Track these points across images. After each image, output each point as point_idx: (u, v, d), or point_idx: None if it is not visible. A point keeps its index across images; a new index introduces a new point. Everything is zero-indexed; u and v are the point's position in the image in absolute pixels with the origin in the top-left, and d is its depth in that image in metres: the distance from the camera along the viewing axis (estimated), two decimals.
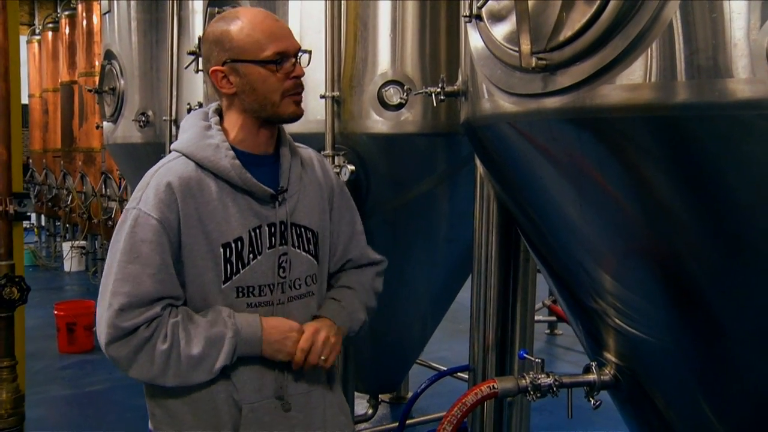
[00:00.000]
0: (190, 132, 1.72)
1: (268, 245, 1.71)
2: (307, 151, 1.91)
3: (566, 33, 1.55)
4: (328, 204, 1.90)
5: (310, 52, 1.74)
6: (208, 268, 1.66)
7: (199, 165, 1.67)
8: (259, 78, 1.65)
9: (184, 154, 1.69)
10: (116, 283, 1.61)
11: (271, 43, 1.64)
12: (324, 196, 1.88)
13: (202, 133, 1.70)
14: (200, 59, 3.27)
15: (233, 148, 1.69)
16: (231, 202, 1.67)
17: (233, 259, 1.67)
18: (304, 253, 1.78)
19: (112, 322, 1.59)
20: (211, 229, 1.65)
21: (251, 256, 1.69)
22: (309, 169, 1.86)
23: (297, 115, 1.71)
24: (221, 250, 1.66)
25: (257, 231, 1.70)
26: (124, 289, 1.60)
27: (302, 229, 1.78)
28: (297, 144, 1.89)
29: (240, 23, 1.65)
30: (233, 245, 1.67)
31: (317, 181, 1.87)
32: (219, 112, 1.76)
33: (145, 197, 1.63)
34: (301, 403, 1.79)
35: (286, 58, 1.66)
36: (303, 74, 1.70)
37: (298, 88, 1.70)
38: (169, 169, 1.67)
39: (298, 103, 1.71)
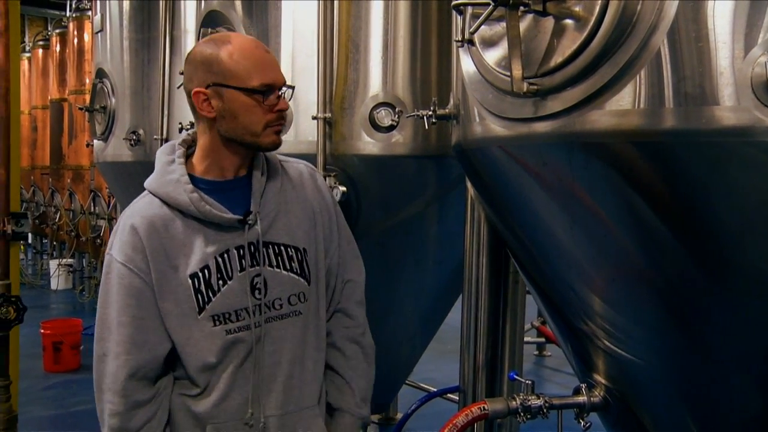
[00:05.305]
0: (156, 168, 1.75)
1: (238, 269, 1.69)
2: (297, 167, 1.87)
3: (557, 59, 1.58)
4: (326, 220, 1.87)
5: (293, 88, 1.74)
6: (182, 301, 1.67)
7: (163, 201, 1.69)
8: (243, 106, 1.63)
9: (150, 192, 1.72)
10: (97, 330, 1.71)
11: (259, 73, 1.62)
12: (316, 212, 1.84)
13: (164, 168, 1.71)
14: None
15: (198, 179, 1.70)
16: (197, 233, 1.67)
17: (203, 288, 1.66)
18: (284, 272, 1.74)
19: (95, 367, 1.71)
20: (178, 263, 1.66)
21: (221, 282, 1.68)
22: (298, 185, 1.83)
23: (276, 145, 1.70)
24: (189, 281, 1.66)
25: (225, 256, 1.68)
26: (104, 335, 1.69)
27: (281, 248, 1.75)
28: (286, 159, 1.87)
29: (230, 48, 1.63)
30: (200, 274, 1.66)
31: (306, 198, 1.83)
32: (187, 143, 1.76)
33: (116, 243, 1.70)
34: (275, 426, 1.75)
35: (272, 90, 1.64)
36: (287, 108, 1.69)
37: (280, 121, 1.68)
38: (135, 211, 1.71)
39: (279, 132, 1.70)
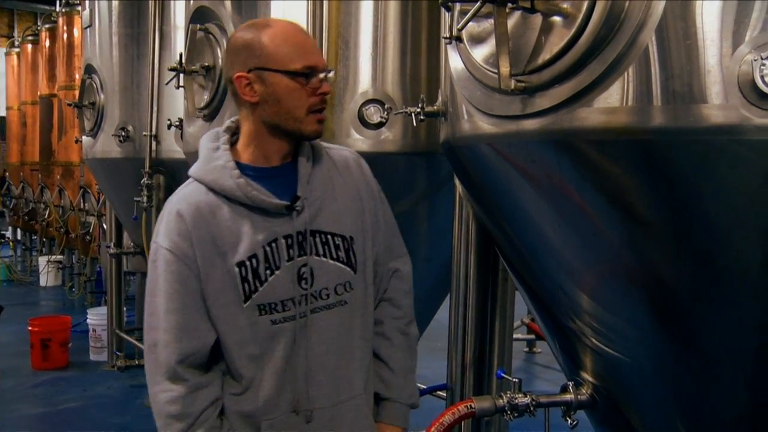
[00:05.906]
0: (200, 155, 1.73)
1: (286, 258, 1.67)
2: (342, 154, 1.85)
3: (545, 56, 1.57)
4: (372, 207, 1.84)
5: (334, 71, 1.72)
6: (228, 289, 1.64)
7: (210, 188, 1.66)
8: (286, 90, 1.62)
9: (196, 179, 1.69)
10: (147, 319, 1.69)
11: (302, 56, 1.61)
12: (363, 198, 1.81)
13: (209, 155, 1.70)
14: (182, 75, 3.27)
15: (244, 165, 1.68)
16: (244, 219, 1.65)
17: (249, 277, 1.64)
18: (331, 261, 1.72)
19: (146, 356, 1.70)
20: (226, 250, 1.64)
21: (268, 272, 1.65)
22: (344, 171, 1.81)
23: (318, 134, 1.68)
24: (236, 269, 1.64)
25: (273, 245, 1.66)
26: (154, 324, 1.67)
27: (328, 236, 1.72)
28: (332, 146, 1.85)
29: (271, 32, 1.62)
30: (248, 263, 1.64)
31: (353, 184, 1.81)
32: (231, 131, 1.75)
33: (161, 230, 1.67)
34: (325, 417, 1.74)
35: (315, 72, 1.63)
36: (329, 92, 1.67)
37: (323, 104, 1.66)
38: (180, 198, 1.69)
39: (321, 121, 1.67)
